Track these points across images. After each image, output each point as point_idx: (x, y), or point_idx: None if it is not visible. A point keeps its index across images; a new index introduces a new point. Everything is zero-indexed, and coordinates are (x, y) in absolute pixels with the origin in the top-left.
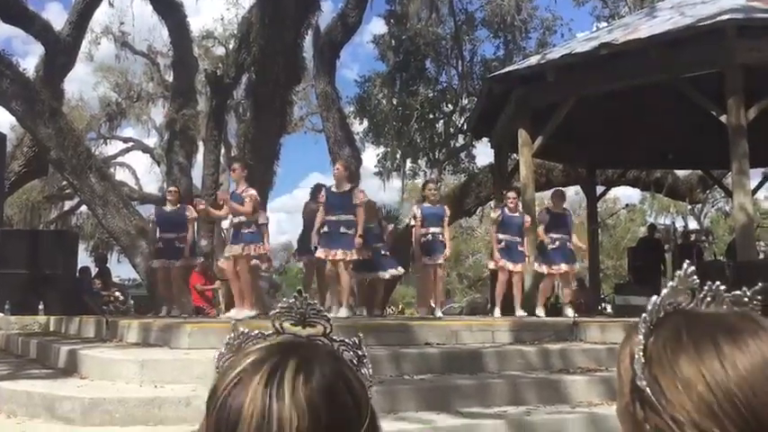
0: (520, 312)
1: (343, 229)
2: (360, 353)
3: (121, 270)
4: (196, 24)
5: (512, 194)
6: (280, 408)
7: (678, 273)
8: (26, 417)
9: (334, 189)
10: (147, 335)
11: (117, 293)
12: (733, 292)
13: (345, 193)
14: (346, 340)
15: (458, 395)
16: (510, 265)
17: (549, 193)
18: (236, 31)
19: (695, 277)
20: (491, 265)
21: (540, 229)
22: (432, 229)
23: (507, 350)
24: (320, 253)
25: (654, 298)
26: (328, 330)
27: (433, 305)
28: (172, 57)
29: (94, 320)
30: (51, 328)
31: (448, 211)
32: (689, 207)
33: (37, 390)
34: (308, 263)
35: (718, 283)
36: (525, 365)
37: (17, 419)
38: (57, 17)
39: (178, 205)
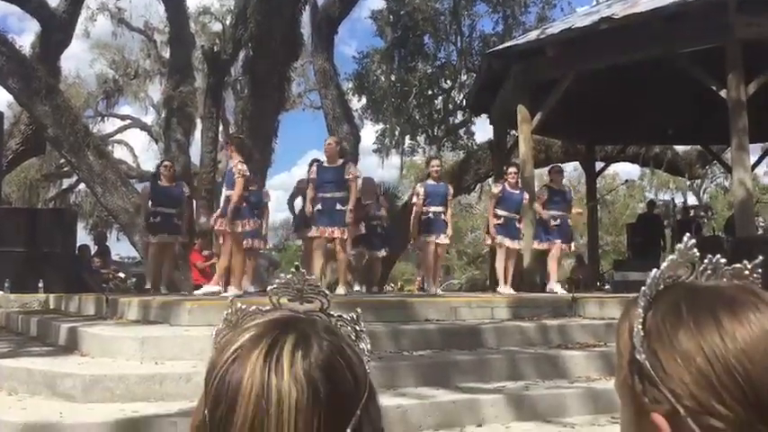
0: (507, 290)
1: (338, 207)
2: (358, 328)
3: (121, 248)
4: (193, 0)
5: (512, 170)
6: (278, 383)
7: (678, 246)
8: (27, 394)
9: (326, 164)
10: (148, 312)
11: (120, 274)
12: (733, 266)
13: (338, 168)
14: (344, 315)
15: (457, 371)
16: (507, 242)
17: (547, 169)
18: (232, 7)
19: (695, 250)
20: (488, 241)
21: (538, 206)
22: (433, 208)
23: (506, 326)
24: (314, 231)
25: (654, 271)
26: (326, 306)
27: (431, 283)
28: (168, 33)
29: (94, 298)
30: (51, 306)
31: (451, 190)
32: (688, 183)
33: (38, 367)
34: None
35: (718, 256)
36: (524, 341)
37: (18, 396)
38: None
39: (174, 183)
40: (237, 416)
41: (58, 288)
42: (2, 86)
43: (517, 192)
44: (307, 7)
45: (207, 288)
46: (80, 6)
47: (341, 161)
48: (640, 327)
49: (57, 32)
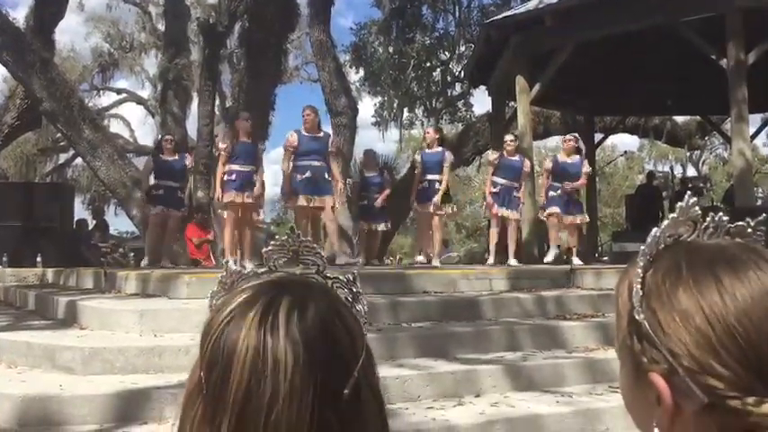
0: (513, 261)
1: (327, 176)
2: (354, 289)
3: (119, 223)
4: None
5: (509, 137)
6: (274, 344)
7: (680, 203)
8: (27, 366)
9: (307, 134)
10: (146, 285)
11: (120, 249)
12: (736, 223)
13: (321, 139)
14: (340, 277)
15: (455, 342)
16: (505, 212)
17: (545, 141)
18: None
19: (697, 208)
20: (487, 213)
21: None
22: (429, 176)
23: (504, 297)
24: (302, 200)
25: (654, 230)
26: (322, 268)
27: (430, 254)
28: (164, 5)
29: (93, 272)
30: (49, 281)
31: (449, 157)
32: (687, 154)
33: (37, 340)
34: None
35: (720, 214)
36: (522, 312)
37: (18, 369)
38: None
39: (176, 155)
40: (233, 378)
41: (55, 262)
42: None
43: (516, 158)
44: None
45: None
46: None
47: (322, 132)
48: (639, 286)
49: (50, 5)
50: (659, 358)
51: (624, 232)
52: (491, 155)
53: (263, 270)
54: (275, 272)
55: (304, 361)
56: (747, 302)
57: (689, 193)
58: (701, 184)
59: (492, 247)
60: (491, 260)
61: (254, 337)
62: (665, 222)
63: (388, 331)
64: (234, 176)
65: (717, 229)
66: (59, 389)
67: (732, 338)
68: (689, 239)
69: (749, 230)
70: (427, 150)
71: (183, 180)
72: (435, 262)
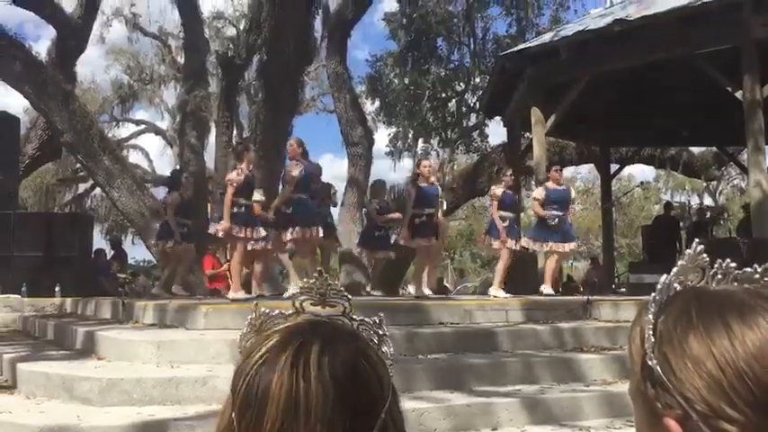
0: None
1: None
2: (380, 332)
3: (136, 252)
4: (207, 5)
5: (509, 171)
6: (306, 387)
7: (688, 251)
8: (45, 397)
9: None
10: (164, 316)
11: (139, 278)
12: (743, 269)
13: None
14: (366, 320)
15: (472, 374)
16: (513, 243)
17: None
18: (246, 11)
19: (705, 255)
20: (495, 245)
21: (537, 206)
22: (428, 210)
23: (520, 329)
24: (300, 233)
25: (663, 277)
26: (348, 310)
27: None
28: (183, 38)
29: (110, 302)
30: (68, 310)
31: (440, 191)
32: (704, 184)
33: (55, 371)
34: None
35: (728, 260)
36: (538, 344)
37: (36, 400)
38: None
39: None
40: (267, 420)
41: (74, 292)
42: (19, 92)
43: (513, 193)
44: (320, 11)
45: (232, 294)
46: (95, 12)
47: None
48: (651, 332)
49: (72, 38)
50: (673, 403)
51: (641, 263)
52: (496, 190)
53: (290, 312)
54: (302, 313)
55: (335, 403)
56: (757, 347)
57: (708, 226)
58: (718, 215)
59: (500, 278)
60: (501, 293)
61: (287, 380)
62: (674, 269)
63: (404, 363)
64: (243, 209)
65: (725, 276)
66: (77, 419)
67: (743, 383)
68: (698, 286)
69: (756, 276)
70: (423, 184)
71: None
72: (425, 290)
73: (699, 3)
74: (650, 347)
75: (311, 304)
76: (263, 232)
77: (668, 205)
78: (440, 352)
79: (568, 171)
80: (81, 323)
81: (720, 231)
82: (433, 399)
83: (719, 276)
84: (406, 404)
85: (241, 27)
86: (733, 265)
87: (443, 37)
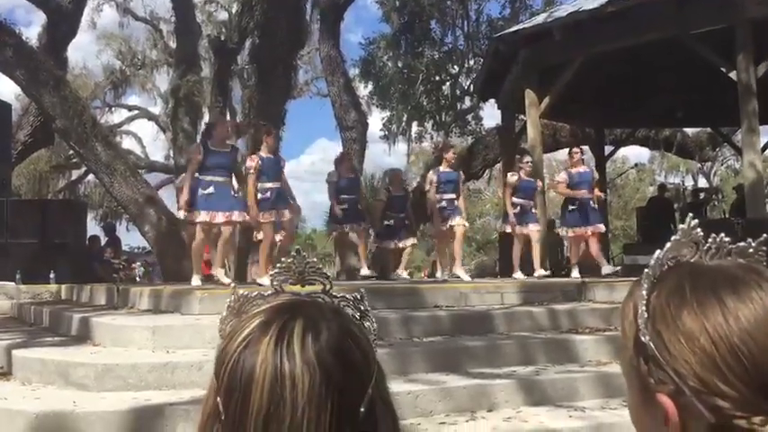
0: (541, 272)
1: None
2: (362, 307)
3: (130, 239)
4: None
5: (528, 159)
6: (291, 368)
7: (682, 226)
8: (40, 383)
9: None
10: (159, 301)
11: (136, 263)
12: (737, 244)
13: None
14: (347, 296)
15: (468, 356)
16: (525, 229)
17: (555, 154)
18: None
19: (699, 230)
20: (507, 229)
21: (563, 188)
22: (447, 195)
23: (516, 311)
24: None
25: (657, 252)
26: (328, 287)
27: (457, 266)
28: (174, 23)
29: (105, 288)
30: (63, 297)
31: (462, 176)
32: (698, 166)
33: (50, 357)
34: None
35: (722, 235)
36: (534, 326)
37: (32, 386)
38: None
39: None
40: (252, 402)
41: (69, 279)
42: (10, 78)
43: (532, 180)
44: None
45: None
46: None
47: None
48: (644, 308)
49: (63, 24)
50: (666, 379)
51: (636, 245)
52: (510, 177)
53: (269, 293)
54: (281, 293)
55: (320, 382)
56: (750, 323)
57: (703, 207)
58: (713, 196)
59: (516, 264)
60: (519, 273)
61: (271, 362)
62: (668, 244)
63: (400, 346)
64: (268, 194)
65: (718, 250)
66: (73, 405)
67: (736, 359)
68: (691, 261)
69: (750, 250)
70: (443, 169)
71: None
72: (464, 275)
73: None
74: (643, 323)
75: (290, 284)
76: (287, 215)
77: (662, 187)
78: (436, 335)
79: (562, 153)
80: (76, 310)
81: (715, 212)
82: (429, 381)
83: (713, 251)
84: (402, 387)
85: (233, 11)
86: (727, 239)
87: (437, 19)
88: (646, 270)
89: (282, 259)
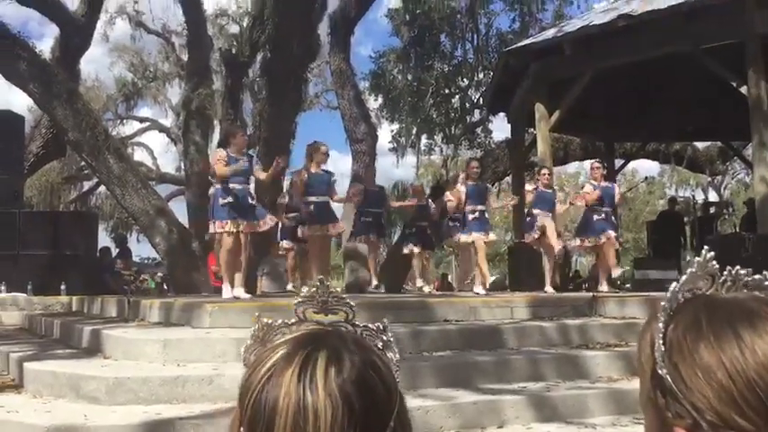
0: (549, 290)
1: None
2: (385, 337)
3: (141, 250)
4: (210, 2)
5: (546, 170)
6: (314, 400)
7: (697, 258)
8: (51, 396)
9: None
10: (169, 314)
11: (146, 276)
12: (753, 276)
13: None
14: (370, 326)
15: (477, 371)
16: (545, 240)
17: (565, 167)
18: (250, 9)
19: (715, 262)
20: (528, 239)
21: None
22: (471, 207)
23: (526, 326)
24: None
25: (673, 285)
26: (351, 316)
27: (478, 282)
28: (186, 36)
29: (116, 300)
30: (74, 309)
31: (491, 188)
32: (709, 179)
33: (62, 370)
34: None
35: (737, 267)
36: (544, 341)
37: (43, 399)
38: None
39: None
40: None
41: (80, 290)
42: (23, 90)
43: (550, 191)
44: (323, 8)
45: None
46: (99, 10)
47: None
48: (661, 341)
49: (76, 36)
50: (683, 412)
51: (646, 259)
52: (528, 186)
53: (293, 321)
54: (305, 322)
55: (343, 414)
56: (767, 357)
57: (713, 221)
58: (724, 210)
59: (549, 274)
60: (550, 288)
61: (294, 394)
62: (684, 277)
63: (409, 361)
64: (312, 208)
65: (734, 283)
66: (84, 419)
67: (753, 392)
68: (707, 293)
69: (766, 283)
70: (470, 182)
71: None
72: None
73: None
74: (660, 356)
75: (313, 312)
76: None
77: (673, 200)
78: (445, 349)
79: (573, 167)
80: (87, 322)
81: (725, 226)
82: (439, 397)
83: (729, 283)
84: (412, 402)
85: (245, 24)
86: (743, 272)
87: (446, 33)
88: (662, 303)
89: (305, 287)
